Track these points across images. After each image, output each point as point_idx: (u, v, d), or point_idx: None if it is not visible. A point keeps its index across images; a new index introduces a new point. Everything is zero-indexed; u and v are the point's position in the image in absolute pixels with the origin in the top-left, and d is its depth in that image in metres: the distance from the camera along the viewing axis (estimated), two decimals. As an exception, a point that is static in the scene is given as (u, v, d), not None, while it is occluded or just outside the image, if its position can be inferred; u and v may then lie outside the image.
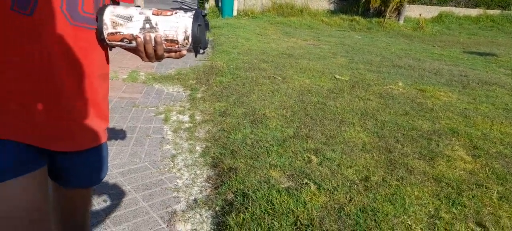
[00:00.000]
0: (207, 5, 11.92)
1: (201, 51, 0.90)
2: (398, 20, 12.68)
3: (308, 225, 1.74)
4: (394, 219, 1.82)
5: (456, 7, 14.37)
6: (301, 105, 3.56)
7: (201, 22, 0.86)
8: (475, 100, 4.23)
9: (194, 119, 3.24)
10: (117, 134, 2.86)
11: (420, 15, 13.34)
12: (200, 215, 2.00)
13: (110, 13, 0.85)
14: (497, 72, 6.17)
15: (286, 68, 5.11)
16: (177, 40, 0.85)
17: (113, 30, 0.85)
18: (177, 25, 0.84)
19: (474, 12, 14.40)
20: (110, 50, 0.98)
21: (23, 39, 0.77)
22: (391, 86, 4.53)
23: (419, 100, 4.03)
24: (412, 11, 13.34)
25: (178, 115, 3.33)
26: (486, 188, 2.23)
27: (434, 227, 1.79)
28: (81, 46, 0.84)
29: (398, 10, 12.65)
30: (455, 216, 1.90)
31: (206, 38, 0.92)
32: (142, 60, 0.91)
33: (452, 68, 6.19)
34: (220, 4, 11.75)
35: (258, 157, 2.47)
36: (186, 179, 2.35)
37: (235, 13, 11.66)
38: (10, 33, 0.76)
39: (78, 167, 0.97)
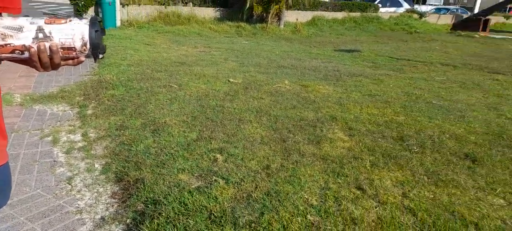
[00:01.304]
0: (86, 16, 11.03)
1: (100, 56, 0.92)
2: (279, 25, 13.80)
3: (222, 216, 1.87)
4: (293, 196, 2.08)
5: (325, 11, 16.34)
6: (201, 109, 3.67)
7: (97, 28, 0.88)
8: (347, 90, 4.96)
9: (88, 137, 3.05)
10: (-4, 164, 2.52)
11: (297, 19, 14.75)
12: (111, 231, 1.94)
13: None
14: (362, 65, 7.30)
15: (180, 76, 5.15)
16: (74, 47, 0.85)
17: (3, 42, 0.81)
18: (73, 33, 0.84)
19: (340, 15, 16.59)
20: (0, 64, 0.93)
21: None
22: (279, 85, 4.97)
23: (303, 95, 4.54)
24: (290, 16, 14.67)
25: (68, 135, 3.09)
26: (361, 160, 2.69)
27: (325, 196, 2.11)
28: None
29: (278, 16, 13.77)
30: (340, 185, 2.27)
31: (103, 44, 0.95)
32: (37, 70, 0.90)
33: (327, 64, 7.08)
34: (101, 15, 11.00)
35: (164, 164, 2.49)
36: (89, 199, 2.23)
37: (118, 23, 11.08)
38: None
39: None
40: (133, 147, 2.76)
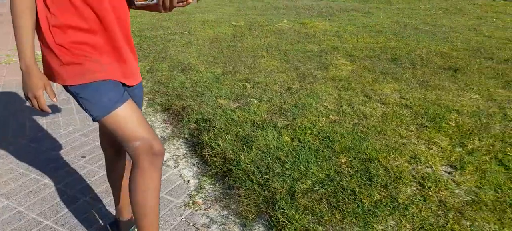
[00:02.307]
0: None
1: None
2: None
3: (263, 123, 2.39)
4: (316, 105, 2.61)
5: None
6: (217, 50, 4.09)
7: None
8: (341, 24, 5.39)
9: (125, 81, 3.47)
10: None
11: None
12: (173, 145, 2.45)
13: None
14: (351, 1, 7.64)
15: (186, 23, 5.47)
16: None
17: None
18: None
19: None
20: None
21: (92, 6, 1.12)
22: (279, 24, 5.36)
23: (304, 31, 4.96)
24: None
25: (107, 81, 3.50)
26: (364, 77, 3.22)
27: (340, 103, 2.65)
28: (120, 6, 1.21)
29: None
30: (351, 95, 2.81)
31: None
32: (160, 12, 1.32)
33: (319, 3, 7.40)
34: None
35: (202, 94, 2.96)
36: (146, 125, 2.71)
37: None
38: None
39: (136, 98, 1.37)
40: (169, 84, 3.21)
